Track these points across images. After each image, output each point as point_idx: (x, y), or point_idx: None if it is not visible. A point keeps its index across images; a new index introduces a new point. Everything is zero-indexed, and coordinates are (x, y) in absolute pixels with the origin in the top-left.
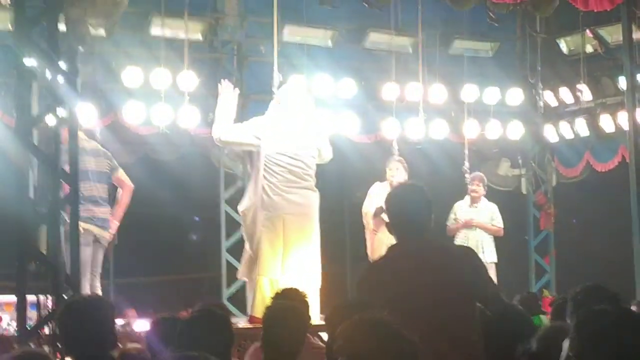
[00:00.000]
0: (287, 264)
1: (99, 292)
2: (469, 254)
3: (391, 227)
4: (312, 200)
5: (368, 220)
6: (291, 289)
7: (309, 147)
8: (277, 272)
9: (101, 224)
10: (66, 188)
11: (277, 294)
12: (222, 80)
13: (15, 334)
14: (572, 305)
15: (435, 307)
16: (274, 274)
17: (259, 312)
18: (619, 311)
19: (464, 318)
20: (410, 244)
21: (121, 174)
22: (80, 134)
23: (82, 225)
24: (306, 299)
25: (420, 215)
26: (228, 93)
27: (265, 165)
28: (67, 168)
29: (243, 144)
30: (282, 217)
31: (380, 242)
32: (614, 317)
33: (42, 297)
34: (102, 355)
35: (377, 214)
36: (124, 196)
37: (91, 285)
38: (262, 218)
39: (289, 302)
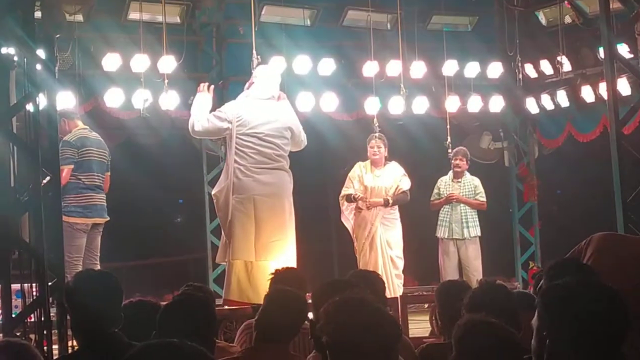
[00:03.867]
0: (260, 244)
1: None
2: None
3: None
4: (284, 180)
5: (343, 203)
6: (289, 269)
7: (281, 129)
8: (251, 254)
9: (99, 211)
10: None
11: (276, 273)
12: (201, 84)
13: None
14: (544, 279)
15: None
16: (247, 256)
17: (234, 295)
18: (579, 282)
19: None
20: None
21: (108, 175)
22: (80, 124)
23: (80, 220)
24: (304, 280)
25: None
26: (204, 92)
27: (237, 147)
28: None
29: (215, 132)
30: (252, 198)
31: (364, 218)
32: (573, 289)
33: (26, 285)
34: (110, 333)
35: (349, 200)
36: None
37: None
38: (233, 201)
39: (291, 289)
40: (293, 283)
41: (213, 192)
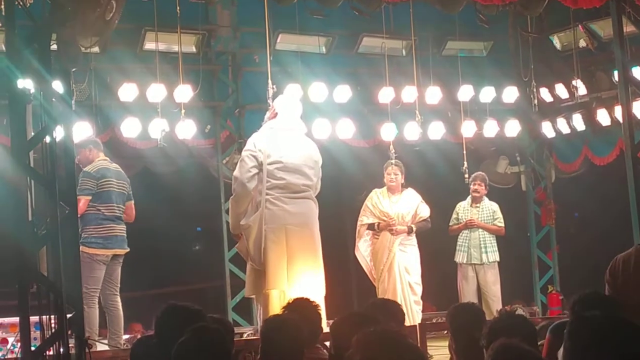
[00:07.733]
0: (292, 274)
1: (119, 307)
2: None
3: None
4: (312, 209)
5: (362, 232)
6: (302, 299)
7: (308, 159)
8: (284, 284)
9: (120, 242)
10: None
11: (288, 304)
12: None
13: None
14: (571, 311)
15: None
16: (282, 285)
17: None
18: (607, 317)
19: None
20: None
21: (131, 204)
22: (101, 155)
23: (100, 251)
24: (319, 310)
25: None
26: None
27: (267, 178)
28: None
29: (254, 165)
30: (284, 228)
31: (382, 245)
32: (601, 323)
33: (44, 318)
34: None
35: (372, 229)
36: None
37: (111, 301)
38: (265, 231)
39: (286, 314)
40: (306, 313)
41: (242, 222)
